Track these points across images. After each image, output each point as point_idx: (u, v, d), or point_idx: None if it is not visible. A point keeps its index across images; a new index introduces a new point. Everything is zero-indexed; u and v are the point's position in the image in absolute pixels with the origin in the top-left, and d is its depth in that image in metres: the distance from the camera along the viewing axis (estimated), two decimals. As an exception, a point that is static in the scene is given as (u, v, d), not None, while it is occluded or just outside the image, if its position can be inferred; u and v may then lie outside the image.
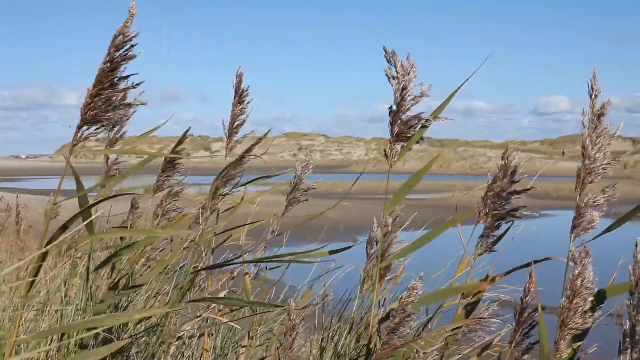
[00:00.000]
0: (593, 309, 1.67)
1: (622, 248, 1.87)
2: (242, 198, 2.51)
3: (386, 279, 2.13)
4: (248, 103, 2.38)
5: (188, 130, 2.63)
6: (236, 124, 2.39)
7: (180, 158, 2.58)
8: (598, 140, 1.75)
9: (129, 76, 1.64)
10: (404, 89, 1.86)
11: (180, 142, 2.58)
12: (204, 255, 2.48)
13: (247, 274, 2.62)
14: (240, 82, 2.36)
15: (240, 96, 2.37)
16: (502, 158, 2.12)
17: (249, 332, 2.56)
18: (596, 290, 1.66)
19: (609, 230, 1.79)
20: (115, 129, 2.38)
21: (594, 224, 1.77)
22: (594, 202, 1.77)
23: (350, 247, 2.28)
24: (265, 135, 2.57)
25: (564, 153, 71.15)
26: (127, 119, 2.24)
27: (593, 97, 1.75)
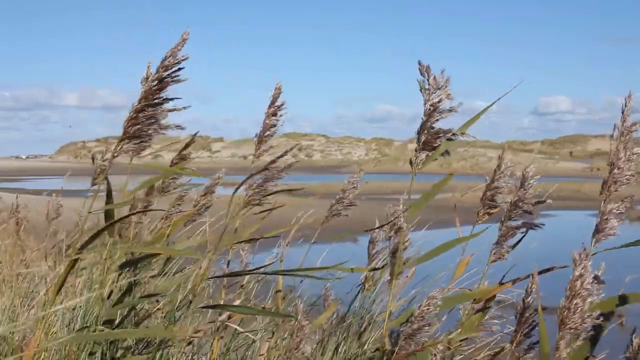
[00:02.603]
0: (610, 314, 1.71)
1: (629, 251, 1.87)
2: (273, 208, 2.55)
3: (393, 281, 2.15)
4: (281, 116, 2.43)
5: (196, 134, 2.66)
6: (267, 133, 2.45)
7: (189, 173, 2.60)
8: (631, 156, 1.87)
9: (173, 98, 1.66)
10: (434, 101, 1.96)
11: (187, 146, 2.60)
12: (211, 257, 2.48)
13: (279, 291, 2.64)
14: (278, 94, 2.42)
15: (276, 107, 2.43)
16: (499, 158, 2.14)
17: (271, 335, 2.56)
18: (614, 294, 1.69)
19: (635, 244, 1.85)
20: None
21: (614, 230, 1.87)
22: (617, 210, 1.88)
23: (371, 270, 2.29)
24: (292, 148, 2.58)
25: (571, 154, 71.75)
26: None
27: (625, 112, 1.87)
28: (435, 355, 1.82)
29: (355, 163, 72.15)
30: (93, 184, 2.93)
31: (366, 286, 2.66)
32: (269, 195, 2.47)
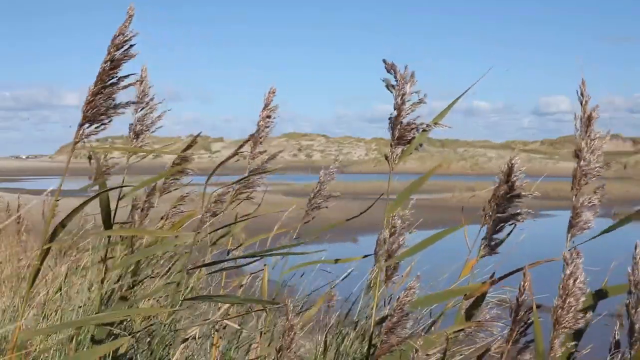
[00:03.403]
0: (590, 308, 1.69)
1: (617, 247, 1.87)
2: (260, 203, 2.57)
3: (392, 279, 2.15)
4: (274, 118, 2.49)
5: (199, 134, 2.68)
6: (261, 134, 2.50)
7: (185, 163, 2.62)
8: (592, 143, 1.79)
9: (128, 75, 1.67)
10: (403, 94, 1.95)
11: (189, 147, 2.61)
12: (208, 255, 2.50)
13: (264, 267, 2.65)
14: (271, 98, 2.47)
15: (269, 110, 2.48)
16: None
17: (260, 332, 2.56)
18: (589, 290, 1.68)
19: (607, 231, 1.82)
20: (140, 137, 2.44)
21: (589, 224, 1.81)
22: (589, 202, 1.81)
23: (366, 256, 2.30)
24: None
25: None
26: (154, 129, 2.34)
27: (583, 102, 1.79)
28: (416, 351, 1.80)
29: (355, 163, 72.14)
30: (93, 184, 2.92)
31: (372, 287, 2.65)
32: (249, 192, 2.49)
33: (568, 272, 1.63)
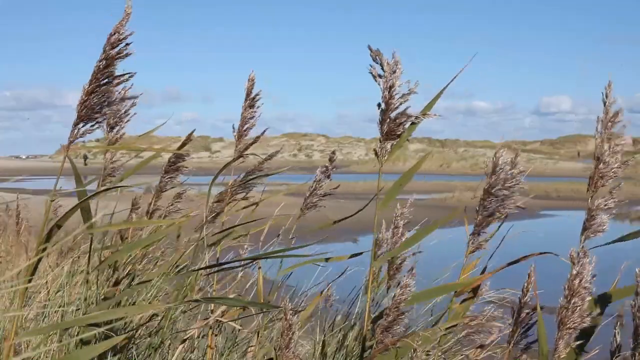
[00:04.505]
0: (600, 312, 1.69)
1: (625, 250, 1.87)
2: (258, 202, 2.54)
3: (395, 279, 2.14)
4: (258, 107, 2.40)
5: (192, 132, 2.64)
6: (245, 126, 2.42)
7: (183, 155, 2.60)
8: (613, 146, 1.82)
9: (123, 74, 1.66)
10: (390, 87, 1.85)
11: (184, 144, 2.58)
12: (206, 255, 2.49)
13: (260, 267, 2.62)
14: (252, 86, 2.39)
15: (251, 99, 2.39)
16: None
17: (257, 333, 2.55)
18: (596, 292, 1.67)
19: (623, 239, 1.83)
20: (115, 129, 2.39)
21: (604, 227, 1.81)
22: (605, 205, 1.80)
23: (361, 253, 2.29)
24: (262, 133, 2.58)
25: (579, 154, 71.72)
26: (127, 119, 2.27)
27: (607, 104, 1.82)
28: (414, 350, 1.78)
29: (355, 163, 72.04)
30: (101, 185, 2.92)
31: (370, 287, 2.64)
32: (245, 192, 2.46)
33: (574, 272, 1.62)
